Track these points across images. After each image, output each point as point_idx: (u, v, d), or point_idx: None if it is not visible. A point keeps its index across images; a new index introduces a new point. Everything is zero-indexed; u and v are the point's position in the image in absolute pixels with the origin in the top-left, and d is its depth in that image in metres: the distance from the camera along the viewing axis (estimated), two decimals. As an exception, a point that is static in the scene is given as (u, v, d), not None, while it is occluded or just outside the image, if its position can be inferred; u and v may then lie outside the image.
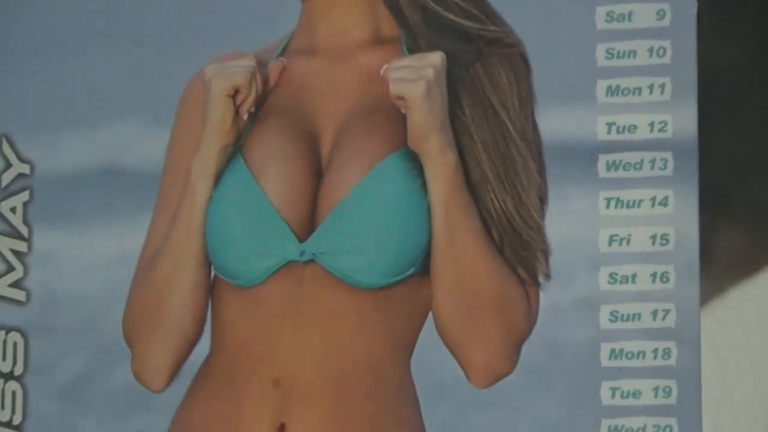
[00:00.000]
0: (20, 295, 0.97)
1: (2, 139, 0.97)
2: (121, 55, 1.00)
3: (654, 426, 0.91)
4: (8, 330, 0.99)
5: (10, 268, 0.97)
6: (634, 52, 0.94)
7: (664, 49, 0.94)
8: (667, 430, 0.90)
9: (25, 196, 0.95)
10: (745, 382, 0.99)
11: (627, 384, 0.91)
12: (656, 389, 0.91)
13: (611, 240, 0.93)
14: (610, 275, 0.92)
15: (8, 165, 0.97)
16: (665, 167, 0.94)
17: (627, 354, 0.90)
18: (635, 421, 0.90)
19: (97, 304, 0.99)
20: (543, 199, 0.91)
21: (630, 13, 0.96)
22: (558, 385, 0.91)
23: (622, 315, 0.92)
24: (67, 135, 0.98)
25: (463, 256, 0.91)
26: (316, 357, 0.92)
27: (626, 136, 0.93)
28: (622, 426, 0.91)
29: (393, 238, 0.90)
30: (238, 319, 0.93)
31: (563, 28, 0.96)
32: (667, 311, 0.93)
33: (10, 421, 0.99)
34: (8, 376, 0.97)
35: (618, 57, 0.94)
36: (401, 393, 0.92)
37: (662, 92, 0.95)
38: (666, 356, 0.93)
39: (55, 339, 0.99)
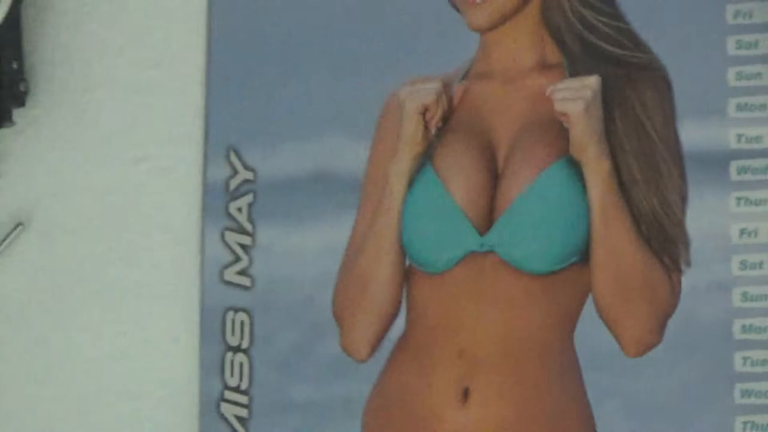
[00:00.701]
0: (246, 281, 1.11)
1: (230, 150, 1.10)
2: (330, 77, 1.10)
3: (782, 388, 1.03)
4: (236, 310, 1.10)
5: (238, 259, 1.09)
6: (760, 74, 1.02)
7: (786, 71, 1.04)
8: (793, 392, 1.03)
9: (249, 198, 1.08)
10: None
11: (756, 354, 1.00)
12: (782, 357, 1.02)
13: (741, 233, 1.02)
14: (741, 262, 1.01)
15: (235, 172, 1.09)
16: (786, 171, 1.04)
17: (756, 329, 1.00)
18: (764, 386, 1.00)
19: (310, 287, 1.11)
20: (683, 199, 1.01)
21: (756, 42, 1.04)
22: (696, 355, 1.01)
23: (752, 296, 1.01)
24: (285, 146, 1.09)
25: (617, 246, 1.01)
26: (494, 332, 1.03)
27: (753, 146, 1.01)
28: (753, 389, 1.00)
29: (558, 232, 1.02)
30: (429, 300, 1.06)
31: (699, 52, 1.04)
32: (790, 292, 1.04)
33: (238, 386, 1.10)
34: (236, 349, 1.10)
35: (746, 78, 1.02)
36: (566, 362, 1.04)
37: (785, 108, 1.03)
38: (790, 330, 1.03)
39: (275, 317, 1.11)
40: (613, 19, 1.03)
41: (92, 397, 1.21)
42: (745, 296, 1.01)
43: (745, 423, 1.04)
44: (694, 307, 1.02)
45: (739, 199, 1.02)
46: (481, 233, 1.00)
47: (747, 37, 1.05)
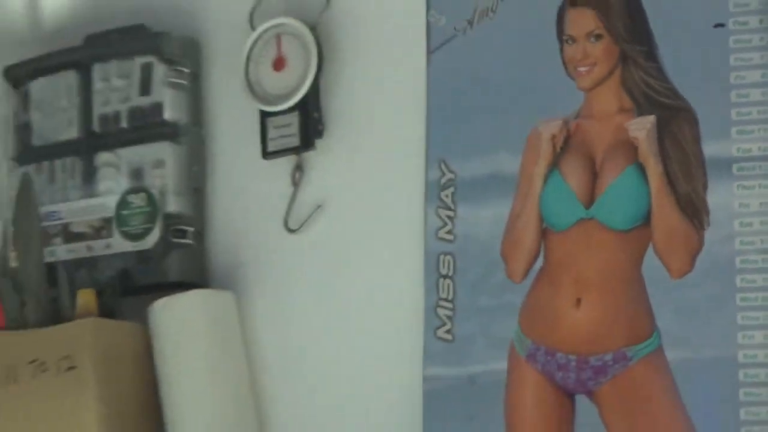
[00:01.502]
0: (450, 237, 1.49)
1: (441, 161, 1.45)
2: (503, 115, 1.50)
3: None
4: (445, 254, 1.49)
5: (445, 224, 1.48)
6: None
7: None
8: None
9: (452, 189, 1.49)
10: None
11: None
12: None
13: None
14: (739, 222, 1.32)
15: (443, 174, 1.48)
16: None
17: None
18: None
19: (487, 240, 1.47)
20: (705, 187, 1.34)
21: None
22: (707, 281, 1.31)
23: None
24: (474, 158, 1.48)
25: (665, 214, 1.35)
26: (596, 266, 1.38)
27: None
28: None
29: (632, 206, 1.37)
30: (556, 247, 1.42)
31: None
32: None
33: (447, 297, 1.46)
34: (445, 276, 1.48)
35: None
36: (638, 283, 1.36)
37: None
38: None
39: (467, 258, 1.48)
40: (663, 81, 1.36)
41: (343, 312, 1.58)
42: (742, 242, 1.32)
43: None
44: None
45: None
46: (587, 208, 1.39)
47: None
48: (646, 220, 1.37)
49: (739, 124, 1.35)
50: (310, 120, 1.56)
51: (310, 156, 1.61)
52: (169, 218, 1.64)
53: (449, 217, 1.51)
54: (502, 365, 1.44)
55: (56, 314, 1.63)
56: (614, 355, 1.37)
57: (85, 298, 1.62)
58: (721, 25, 1.34)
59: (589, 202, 1.40)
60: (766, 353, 1.31)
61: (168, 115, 1.66)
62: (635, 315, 1.37)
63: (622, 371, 1.36)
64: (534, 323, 1.44)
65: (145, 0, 1.74)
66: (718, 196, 1.36)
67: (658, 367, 1.35)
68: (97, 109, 1.70)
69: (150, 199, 1.65)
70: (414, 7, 1.52)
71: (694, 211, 1.36)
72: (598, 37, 1.40)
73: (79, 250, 1.70)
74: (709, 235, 1.35)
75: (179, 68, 1.66)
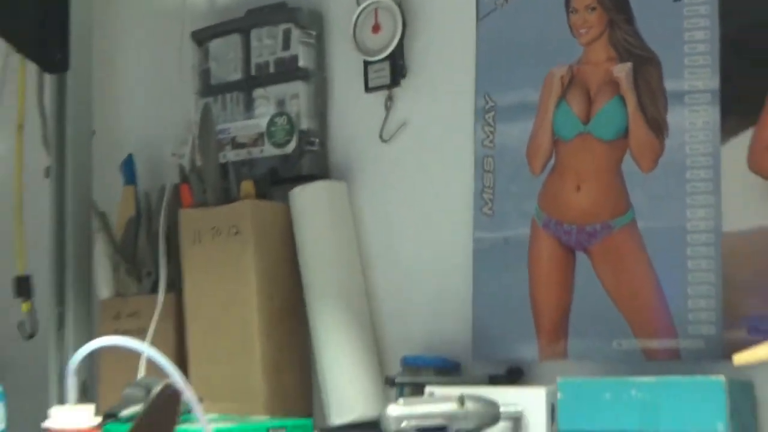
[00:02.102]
0: None
1: None
2: None
3: None
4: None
5: None
6: None
7: None
8: None
9: None
10: None
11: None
12: None
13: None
14: None
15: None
16: None
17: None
18: None
19: (518, 150, 1.60)
20: (665, 98, 1.42)
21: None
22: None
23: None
24: None
25: (638, 129, 1.45)
26: (591, 165, 1.50)
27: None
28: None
29: (616, 122, 1.48)
30: (563, 151, 1.52)
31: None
32: None
33: None
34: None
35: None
36: (621, 177, 1.47)
37: None
38: None
39: None
40: (637, 39, 1.45)
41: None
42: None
43: None
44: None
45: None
46: (584, 125, 1.49)
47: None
48: (625, 133, 1.50)
49: (690, 68, 1.47)
50: (397, 66, 1.73)
51: (397, 90, 1.77)
52: (302, 133, 1.81)
53: (491, 132, 1.65)
54: (527, 231, 1.59)
55: (227, 197, 1.80)
56: (601, 225, 1.50)
57: (246, 186, 1.78)
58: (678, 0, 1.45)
59: (586, 121, 1.52)
60: (705, 223, 1.43)
61: (301, 63, 1.84)
62: (617, 198, 1.49)
63: (608, 235, 1.50)
64: (548, 203, 1.57)
65: (285, -15, 1.78)
66: (674, 117, 1.49)
67: (632, 234, 1.47)
68: (254, 60, 1.88)
69: (289, 120, 1.82)
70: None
71: (658, 128, 1.47)
72: (593, 9, 1.52)
73: (242, 154, 1.88)
74: (668, 143, 1.48)
75: (309, 31, 1.83)
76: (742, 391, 1.33)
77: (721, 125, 1.43)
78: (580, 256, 1.53)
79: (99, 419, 1.07)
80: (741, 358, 1.20)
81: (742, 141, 1.41)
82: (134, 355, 1.50)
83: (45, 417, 1.06)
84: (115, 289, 1.90)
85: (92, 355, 1.43)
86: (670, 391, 1.31)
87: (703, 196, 1.44)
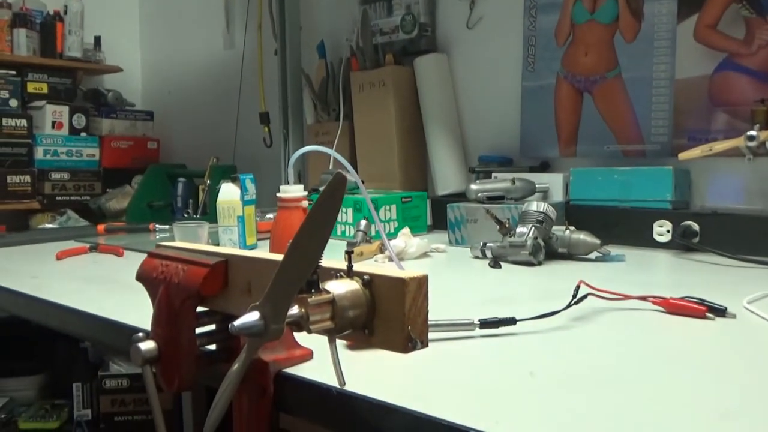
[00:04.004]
0: None
1: None
2: None
3: None
4: None
5: None
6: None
7: None
8: None
9: None
10: None
11: None
12: None
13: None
14: None
15: None
16: None
17: None
18: None
19: (549, 32, 1.60)
20: None
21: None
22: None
23: None
24: None
25: (625, 15, 1.34)
26: (594, 36, 1.40)
27: None
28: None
29: (611, 12, 1.36)
30: (577, 31, 1.42)
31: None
32: None
33: None
34: None
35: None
36: (613, 45, 1.38)
37: None
38: None
39: None
40: None
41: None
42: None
43: None
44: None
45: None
46: (591, 13, 1.42)
47: None
48: (617, 19, 1.44)
49: (658, -26, 1.36)
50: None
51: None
52: (421, 25, 1.77)
53: (533, 20, 1.60)
54: (553, 81, 1.56)
55: (377, 64, 1.77)
56: (600, 76, 1.47)
57: (389, 58, 1.77)
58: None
59: (593, 12, 1.48)
60: (665, 74, 1.38)
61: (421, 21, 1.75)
62: (609, 59, 1.45)
63: (604, 82, 1.46)
64: (567, 63, 1.53)
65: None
66: (648, 8, 1.42)
67: (619, 81, 1.43)
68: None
69: (413, 17, 1.75)
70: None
71: (638, 15, 1.41)
72: None
73: (386, 38, 1.82)
74: (644, 24, 1.43)
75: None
76: (682, 176, 1.31)
77: (678, 12, 1.37)
78: (586, 96, 1.49)
79: (306, 192, 1.08)
80: (683, 155, 1.18)
81: (691, 22, 1.34)
82: (326, 157, 1.65)
83: (277, 191, 1.08)
84: (315, 119, 1.90)
85: (303, 157, 1.55)
86: (639, 176, 1.30)
87: (664, 57, 1.38)
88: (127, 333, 0.68)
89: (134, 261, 0.82)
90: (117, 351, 1.31)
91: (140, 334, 0.57)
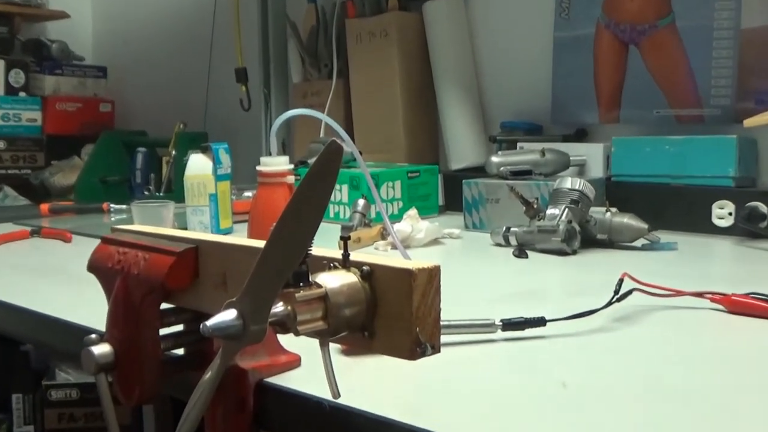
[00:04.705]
0: None
1: None
2: None
3: None
4: None
5: None
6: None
7: None
8: None
9: None
10: None
11: None
12: None
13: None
14: None
15: None
16: None
17: None
18: None
19: None
20: None
21: None
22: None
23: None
24: None
25: None
26: None
27: None
28: None
29: None
30: None
31: None
32: None
33: None
34: None
35: None
36: None
37: None
38: None
39: None
40: None
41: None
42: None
43: None
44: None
45: None
46: None
47: None
48: None
49: None
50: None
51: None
52: None
53: None
54: (592, 30, 1.58)
55: (379, 9, 1.77)
56: (649, 24, 1.48)
57: (392, 1, 1.77)
58: None
59: None
60: (727, 22, 1.39)
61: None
62: (661, 3, 1.48)
63: (654, 32, 1.47)
64: (609, 8, 1.55)
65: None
66: None
67: (672, 31, 1.45)
68: None
69: None
70: None
71: None
72: None
73: None
74: None
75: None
76: (748, 147, 1.32)
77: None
78: (632, 49, 1.50)
79: (292, 165, 1.10)
80: (749, 122, 1.18)
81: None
82: (317, 122, 1.60)
83: (257, 163, 1.09)
84: (303, 76, 1.93)
85: (288, 122, 1.60)
86: (695, 146, 1.31)
87: (728, 1, 1.39)
88: (77, 334, 0.69)
89: (85, 248, 0.81)
90: (65, 356, 1.31)
91: (93, 336, 0.58)
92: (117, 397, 0.58)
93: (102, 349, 0.57)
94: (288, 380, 0.56)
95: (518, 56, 1.67)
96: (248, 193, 1.57)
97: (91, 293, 0.65)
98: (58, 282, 0.96)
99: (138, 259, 0.58)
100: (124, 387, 0.58)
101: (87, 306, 0.73)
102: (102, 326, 0.60)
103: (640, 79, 1.47)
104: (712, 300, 0.78)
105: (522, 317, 0.69)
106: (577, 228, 1.11)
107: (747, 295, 0.77)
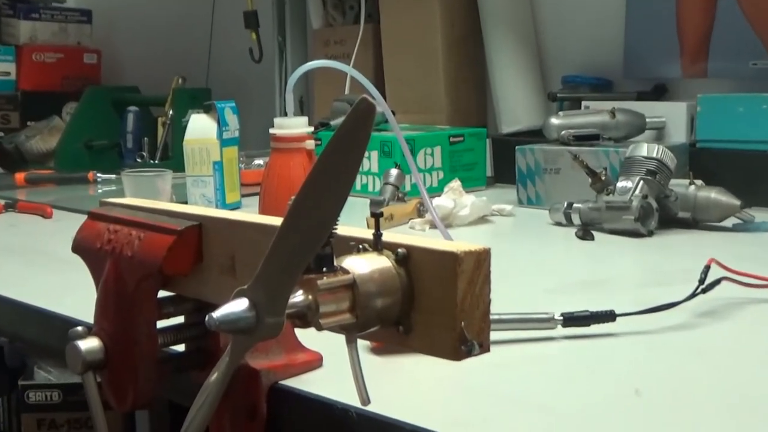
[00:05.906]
0: None
1: None
2: None
3: None
4: None
5: None
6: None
7: None
8: None
9: None
10: None
11: None
12: None
13: None
14: None
15: None
16: None
17: None
18: None
19: None
20: None
21: None
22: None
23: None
24: None
25: None
26: None
27: None
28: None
29: None
30: None
31: None
32: None
33: None
34: None
35: None
36: None
37: None
38: None
39: None
40: None
41: None
42: None
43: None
44: None
45: None
46: None
47: None
48: None
49: None
50: None
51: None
52: None
53: None
54: None
55: None
56: None
57: None
58: None
59: None
60: None
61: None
62: None
63: None
64: None
65: None
66: None
67: None
68: None
69: None
70: None
71: None
72: None
73: None
74: None
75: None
76: None
77: None
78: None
79: (312, 128, 1.11)
80: None
81: None
82: (341, 76, 1.62)
83: (270, 125, 1.11)
84: (324, 21, 1.95)
85: (307, 76, 1.60)
86: (799, 106, 1.26)
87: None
88: (59, 326, 0.69)
89: (68, 225, 0.83)
90: (46, 352, 1.30)
91: (79, 329, 0.58)
92: (107, 401, 0.58)
93: (90, 344, 0.57)
94: (307, 383, 0.57)
95: (583, -1, 1.64)
96: (259, 161, 1.60)
97: (77, 278, 0.65)
98: (37, 265, 0.98)
99: (131, 238, 0.58)
100: (115, 389, 0.58)
101: (72, 294, 0.75)
102: (90, 317, 0.60)
103: (733, 23, 1.47)
104: (818, 292, 0.76)
105: (587, 311, 0.70)
106: (654, 204, 1.12)
107: None
